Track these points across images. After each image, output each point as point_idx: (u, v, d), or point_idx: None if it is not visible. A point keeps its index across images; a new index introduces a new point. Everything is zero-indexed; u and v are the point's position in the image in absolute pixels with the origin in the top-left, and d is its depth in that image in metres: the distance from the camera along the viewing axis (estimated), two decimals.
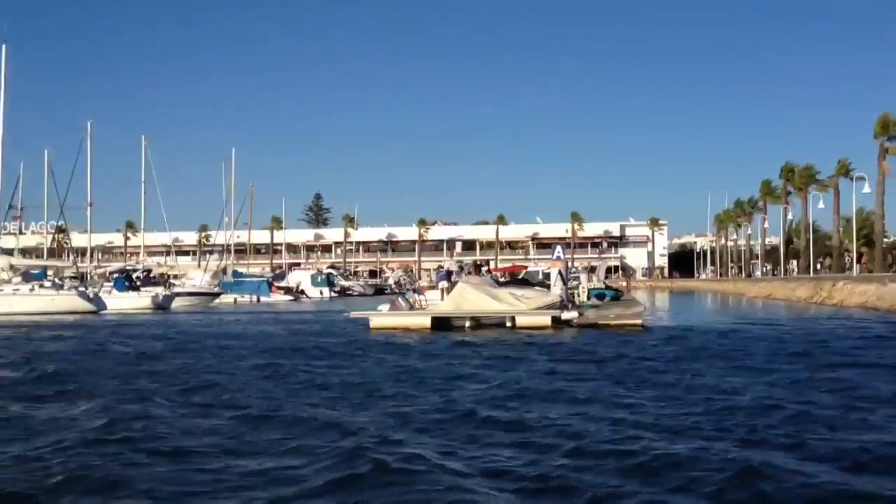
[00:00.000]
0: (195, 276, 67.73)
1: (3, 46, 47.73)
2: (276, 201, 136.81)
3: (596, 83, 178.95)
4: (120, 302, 49.07)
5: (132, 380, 13.62)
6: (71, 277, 53.33)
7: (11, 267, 48.55)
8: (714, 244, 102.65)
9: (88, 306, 45.50)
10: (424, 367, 15.10)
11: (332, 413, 9.84)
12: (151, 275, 59.71)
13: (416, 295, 29.75)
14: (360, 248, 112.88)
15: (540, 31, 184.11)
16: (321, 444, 8.05)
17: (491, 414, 9.57)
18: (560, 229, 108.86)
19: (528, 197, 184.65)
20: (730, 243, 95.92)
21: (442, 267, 33.72)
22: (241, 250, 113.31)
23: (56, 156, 56.25)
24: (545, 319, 26.25)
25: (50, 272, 50.53)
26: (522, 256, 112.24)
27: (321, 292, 76.57)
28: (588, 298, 31.35)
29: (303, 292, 73.90)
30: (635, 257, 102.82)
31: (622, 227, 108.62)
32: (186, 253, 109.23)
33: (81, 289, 47.64)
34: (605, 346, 19.11)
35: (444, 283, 31.62)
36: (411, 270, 38.14)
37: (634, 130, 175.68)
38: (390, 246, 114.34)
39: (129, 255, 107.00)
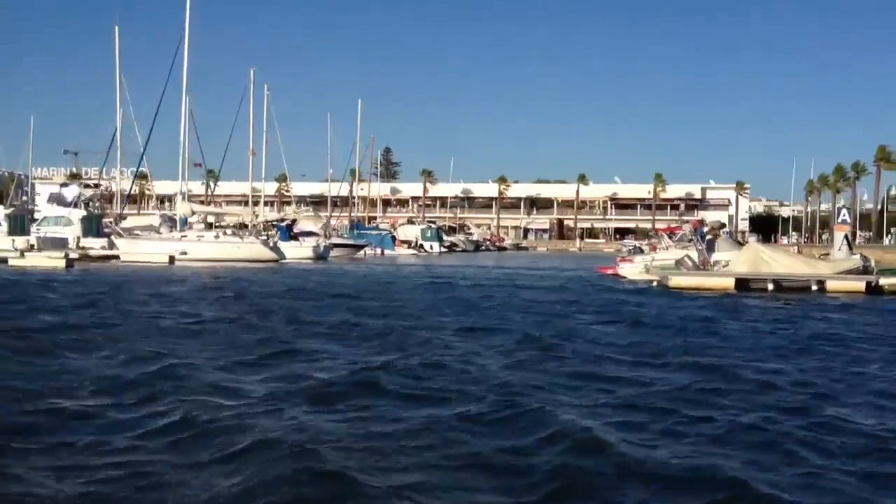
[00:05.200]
0: (305, 226, 68.14)
1: None
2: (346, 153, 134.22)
3: (678, 48, 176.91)
4: (285, 252, 49.50)
5: None
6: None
7: (193, 213, 49.13)
8: (794, 210, 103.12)
9: (272, 255, 46.09)
10: None
11: None
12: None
13: (706, 253, 29.86)
14: (437, 203, 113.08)
15: None
16: None
17: None
18: (640, 190, 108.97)
19: (606, 157, 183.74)
20: (812, 208, 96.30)
21: (705, 223, 33.98)
22: (318, 202, 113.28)
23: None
24: (859, 285, 26.06)
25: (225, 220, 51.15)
26: (601, 217, 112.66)
27: (431, 247, 77.08)
28: None
29: (421, 246, 74.48)
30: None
31: (703, 190, 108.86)
32: (266, 203, 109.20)
33: (263, 237, 48.14)
34: None
35: (701, 245, 31.97)
36: (703, 222, 37.76)
37: (711, 94, 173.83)
38: (467, 202, 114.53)
39: (208, 203, 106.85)
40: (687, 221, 46.12)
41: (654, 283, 29.13)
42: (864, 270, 27.36)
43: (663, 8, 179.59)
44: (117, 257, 42.67)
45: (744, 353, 11.67)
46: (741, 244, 35.47)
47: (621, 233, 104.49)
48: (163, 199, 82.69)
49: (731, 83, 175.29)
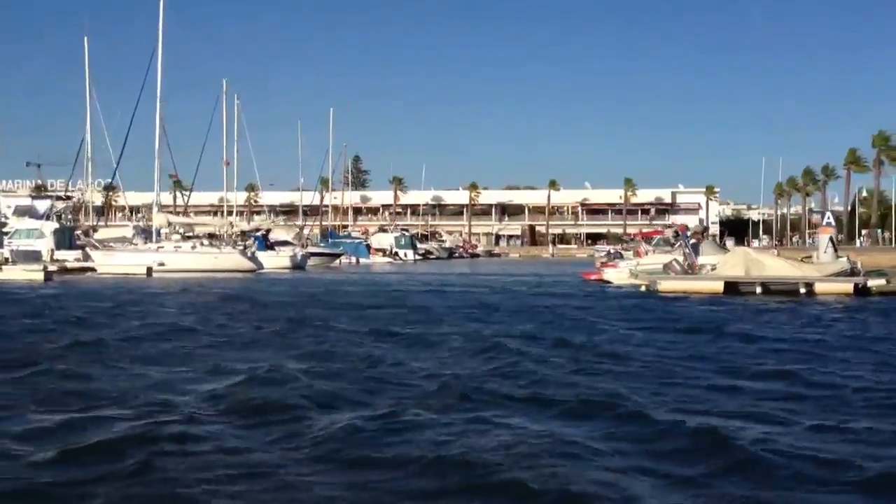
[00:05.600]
0: (279, 236, 67.59)
1: None
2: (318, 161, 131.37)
3: (645, 51, 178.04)
4: (263, 262, 48.99)
5: None
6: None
7: (169, 224, 48.49)
8: (762, 213, 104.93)
9: (250, 265, 45.64)
10: None
11: None
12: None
13: (693, 257, 30.05)
14: (408, 210, 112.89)
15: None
16: None
17: None
18: (611, 195, 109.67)
19: (575, 163, 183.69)
20: (782, 211, 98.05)
21: (687, 228, 34.21)
22: (287, 211, 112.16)
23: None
24: (847, 287, 26.20)
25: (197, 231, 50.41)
26: (572, 222, 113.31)
27: (406, 254, 76.86)
28: None
29: (396, 254, 74.27)
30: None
31: (673, 195, 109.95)
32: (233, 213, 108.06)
33: (240, 247, 47.65)
34: None
35: (689, 249, 32.22)
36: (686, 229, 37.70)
37: (680, 96, 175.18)
38: (438, 209, 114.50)
39: (178, 213, 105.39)
40: (669, 226, 46.40)
41: (643, 288, 29.26)
42: (852, 272, 27.77)
43: (663, 8, 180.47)
44: (93, 269, 41.87)
45: (799, 356, 11.59)
46: (722, 247, 35.91)
47: (593, 238, 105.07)
48: (132, 210, 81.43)
49: (718, 85, 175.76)
